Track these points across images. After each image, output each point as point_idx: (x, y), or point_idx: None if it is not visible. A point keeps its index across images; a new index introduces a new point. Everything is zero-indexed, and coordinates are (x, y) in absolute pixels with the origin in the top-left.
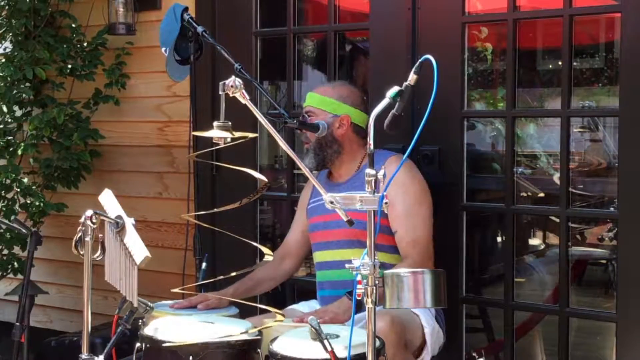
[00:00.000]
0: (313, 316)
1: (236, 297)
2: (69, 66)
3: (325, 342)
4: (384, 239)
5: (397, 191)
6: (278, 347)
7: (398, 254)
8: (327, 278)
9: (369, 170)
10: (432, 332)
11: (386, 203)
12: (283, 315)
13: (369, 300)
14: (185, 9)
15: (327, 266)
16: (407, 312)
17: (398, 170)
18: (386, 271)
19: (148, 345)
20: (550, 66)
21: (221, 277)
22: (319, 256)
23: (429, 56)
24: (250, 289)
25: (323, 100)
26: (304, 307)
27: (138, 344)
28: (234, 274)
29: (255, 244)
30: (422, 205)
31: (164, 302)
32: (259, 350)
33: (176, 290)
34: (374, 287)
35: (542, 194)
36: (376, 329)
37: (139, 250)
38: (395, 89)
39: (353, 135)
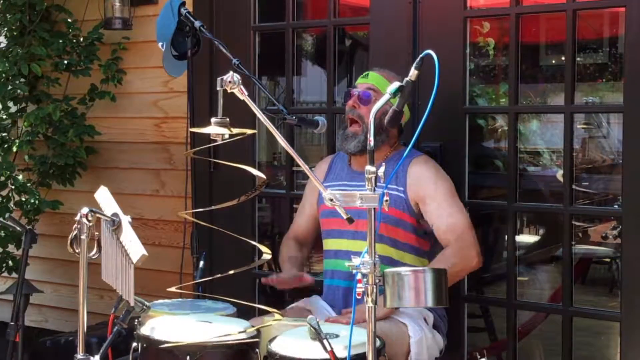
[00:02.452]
0: (312, 316)
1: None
2: (65, 61)
3: (325, 341)
4: (412, 239)
5: (429, 187)
6: (277, 346)
7: (424, 257)
8: (339, 267)
9: (368, 167)
10: (418, 341)
11: (387, 200)
12: (281, 314)
13: (369, 299)
14: (183, 3)
15: (341, 255)
16: (395, 324)
17: (401, 163)
18: (387, 270)
19: (144, 345)
20: (554, 61)
21: (218, 275)
22: (333, 244)
23: (430, 51)
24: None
25: (387, 85)
26: (306, 304)
27: (134, 344)
28: (232, 272)
29: (253, 242)
30: (454, 197)
31: (160, 301)
32: (257, 350)
33: (173, 288)
34: (374, 286)
35: (545, 191)
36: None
37: (136, 249)
38: (395, 84)
39: (395, 130)
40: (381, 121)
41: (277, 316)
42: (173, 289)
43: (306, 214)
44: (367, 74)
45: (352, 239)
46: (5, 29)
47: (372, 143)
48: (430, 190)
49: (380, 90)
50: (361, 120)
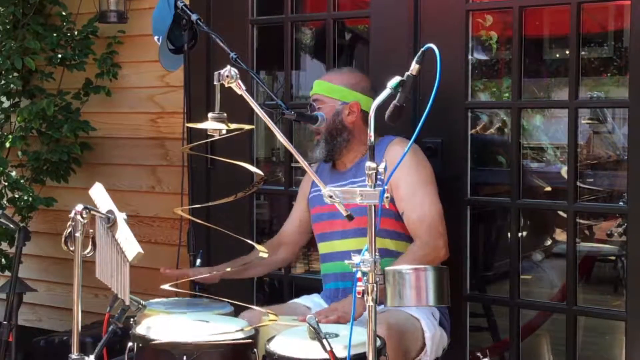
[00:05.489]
0: (312, 315)
1: (225, 277)
2: (59, 55)
3: (324, 341)
4: (391, 224)
5: (402, 172)
6: (275, 346)
7: (405, 240)
8: (333, 270)
9: (369, 163)
10: (432, 336)
11: (387, 197)
12: (276, 315)
13: (370, 298)
14: None
15: (333, 257)
16: (406, 318)
17: (404, 157)
18: (387, 268)
19: (140, 345)
20: (558, 55)
21: (215, 273)
22: (324, 247)
23: (432, 45)
24: (242, 271)
25: (331, 88)
26: (306, 301)
27: (130, 344)
28: (228, 269)
29: (249, 241)
30: (428, 185)
31: (156, 299)
32: (255, 349)
33: (166, 286)
34: (375, 284)
35: (549, 188)
36: None
37: (131, 246)
38: (396, 78)
39: (362, 123)
40: (335, 121)
41: (272, 317)
42: (167, 286)
43: (293, 217)
44: (313, 85)
45: (341, 239)
46: None
47: (372, 138)
48: (404, 175)
49: (325, 96)
50: (319, 129)
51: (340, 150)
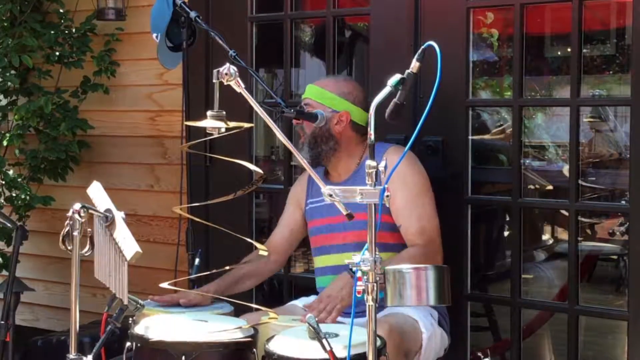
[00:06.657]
0: (312, 314)
1: (218, 294)
2: (57, 53)
3: (324, 341)
4: (385, 237)
5: (397, 183)
6: (275, 346)
7: (394, 251)
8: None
9: (369, 162)
10: (429, 337)
11: (387, 196)
12: (276, 315)
13: (370, 298)
14: None
15: (330, 271)
16: (406, 319)
17: (400, 161)
18: (388, 267)
19: (139, 345)
20: (559, 53)
21: (214, 270)
22: (321, 261)
23: (432, 43)
24: (233, 286)
25: (323, 94)
26: (303, 302)
27: (128, 343)
28: (227, 267)
29: (250, 240)
30: (425, 196)
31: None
32: (254, 349)
33: (165, 284)
34: (375, 284)
35: (550, 187)
36: None
37: (129, 246)
38: (397, 76)
39: (352, 133)
40: (321, 128)
41: (272, 315)
42: (166, 284)
43: (283, 225)
44: (306, 89)
45: (338, 252)
46: None
47: (372, 137)
48: (400, 187)
49: (315, 101)
50: (303, 132)
51: (328, 159)
